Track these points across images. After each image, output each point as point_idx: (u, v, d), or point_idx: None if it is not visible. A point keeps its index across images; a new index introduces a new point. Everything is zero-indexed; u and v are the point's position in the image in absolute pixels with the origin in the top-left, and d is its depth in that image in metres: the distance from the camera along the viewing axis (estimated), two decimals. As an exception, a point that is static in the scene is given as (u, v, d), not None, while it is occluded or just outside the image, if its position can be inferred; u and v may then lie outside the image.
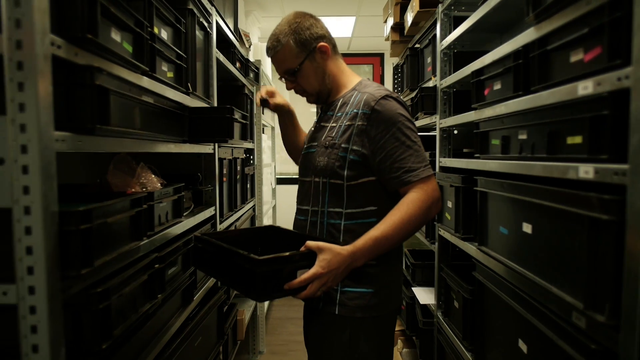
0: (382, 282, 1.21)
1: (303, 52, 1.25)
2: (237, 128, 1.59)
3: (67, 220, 0.73)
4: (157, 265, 1.12)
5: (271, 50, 1.28)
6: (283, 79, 1.33)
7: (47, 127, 0.69)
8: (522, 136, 1.11)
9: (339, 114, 1.26)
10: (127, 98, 0.97)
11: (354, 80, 1.31)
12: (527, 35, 1.05)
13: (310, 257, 1.06)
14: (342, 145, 1.20)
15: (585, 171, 0.82)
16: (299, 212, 1.34)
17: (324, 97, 1.33)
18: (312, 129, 1.39)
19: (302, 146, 1.42)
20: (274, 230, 1.40)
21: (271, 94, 1.41)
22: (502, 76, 1.21)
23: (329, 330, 1.21)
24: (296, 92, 1.34)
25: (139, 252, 1.04)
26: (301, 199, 1.33)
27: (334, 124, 1.25)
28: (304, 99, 1.35)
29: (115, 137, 0.91)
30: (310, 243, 1.06)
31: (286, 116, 1.47)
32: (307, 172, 1.31)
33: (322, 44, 1.26)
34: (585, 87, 0.81)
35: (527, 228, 1.06)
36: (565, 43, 0.90)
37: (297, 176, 1.41)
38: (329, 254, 1.05)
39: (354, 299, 1.19)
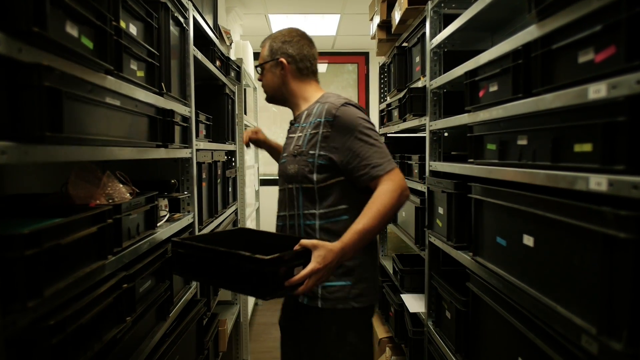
0: (359, 275, 1.31)
1: (269, 57, 1.46)
2: (178, 131, 1.51)
3: (8, 245, 0.62)
4: (125, 285, 1.01)
5: (261, 44, 1.53)
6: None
7: (-20, 136, 0.58)
8: (522, 142, 1.04)
9: (304, 124, 1.39)
10: (88, 100, 0.86)
11: (317, 95, 1.45)
12: (529, 34, 0.97)
13: (306, 255, 1.11)
14: (310, 152, 1.32)
15: (598, 182, 0.74)
16: (277, 219, 1.45)
17: (278, 102, 1.51)
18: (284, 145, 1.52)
19: None
20: (244, 232, 1.46)
21: (256, 132, 1.69)
22: (499, 77, 1.14)
23: (317, 327, 1.31)
24: (262, 85, 1.53)
25: (103, 272, 0.93)
26: (279, 205, 1.45)
27: (300, 134, 1.38)
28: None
29: (72, 145, 0.80)
30: (305, 241, 1.12)
31: (271, 150, 1.69)
32: (282, 181, 1.43)
33: (282, 59, 1.43)
34: (597, 91, 0.74)
35: (528, 241, 0.99)
36: (573, 42, 0.83)
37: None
38: (323, 250, 1.12)
39: (334, 292, 1.28)
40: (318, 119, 1.33)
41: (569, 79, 0.85)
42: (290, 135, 1.44)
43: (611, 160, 0.73)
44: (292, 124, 1.47)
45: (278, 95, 1.49)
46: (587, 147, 0.80)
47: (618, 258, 0.70)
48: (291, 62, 1.43)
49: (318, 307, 1.29)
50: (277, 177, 1.49)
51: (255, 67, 1.52)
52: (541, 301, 0.92)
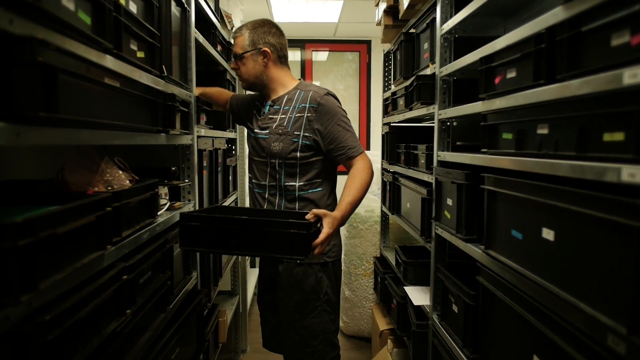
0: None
1: (250, 47, 1.59)
2: (179, 116, 1.45)
3: (0, 234, 0.57)
4: (125, 277, 0.97)
5: (233, 34, 1.64)
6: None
7: (-33, 115, 0.52)
8: (542, 131, 0.99)
9: (286, 107, 1.58)
10: (85, 80, 0.80)
11: (293, 82, 1.65)
12: (554, 16, 0.92)
13: (318, 221, 1.33)
14: (295, 132, 1.53)
15: (631, 174, 0.70)
16: (256, 186, 1.65)
17: (257, 88, 1.66)
18: (255, 118, 1.68)
19: (225, 100, 1.89)
20: (221, 209, 1.64)
21: None
22: (519, 63, 1.08)
23: (295, 279, 1.55)
24: (237, 74, 1.67)
25: (102, 263, 0.89)
26: (258, 175, 1.64)
27: (283, 116, 1.57)
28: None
29: (68, 128, 0.75)
30: (317, 211, 1.34)
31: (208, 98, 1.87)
32: (261, 154, 1.62)
33: (265, 49, 1.59)
34: (633, 75, 0.69)
35: (548, 234, 0.94)
36: (606, 23, 0.77)
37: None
38: (330, 217, 1.36)
39: None
40: (303, 104, 1.54)
41: (599, 64, 0.79)
42: (271, 116, 1.61)
43: (648, 150, 0.68)
44: (270, 105, 1.64)
45: (258, 82, 1.63)
46: (618, 137, 0.75)
47: (654, 254, 0.66)
48: (273, 51, 1.60)
49: (296, 263, 1.53)
50: (250, 148, 1.69)
51: (237, 57, 1.61)
52: (562, 297, 0.88)
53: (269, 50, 1.59)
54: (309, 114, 1.52)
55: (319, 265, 1.55)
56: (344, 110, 1.58)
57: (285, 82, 1.64)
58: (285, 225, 1.20)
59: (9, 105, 0.61)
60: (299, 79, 1.67)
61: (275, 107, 1.62)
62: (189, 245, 1.29)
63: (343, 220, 1.41)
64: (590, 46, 0.83)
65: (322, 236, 1.31)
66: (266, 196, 1.60)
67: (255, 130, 1.66)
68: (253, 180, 1.67)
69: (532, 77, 1.01)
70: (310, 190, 1.56)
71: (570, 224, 0.86)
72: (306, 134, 1.52)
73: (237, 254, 1.83)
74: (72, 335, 0.75)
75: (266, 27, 1.60)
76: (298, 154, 1.53)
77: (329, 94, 1.56)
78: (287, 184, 1.56)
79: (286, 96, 1.60)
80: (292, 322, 1.56)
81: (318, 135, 1.52)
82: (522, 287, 1.05)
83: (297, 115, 1.54)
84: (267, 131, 1.59)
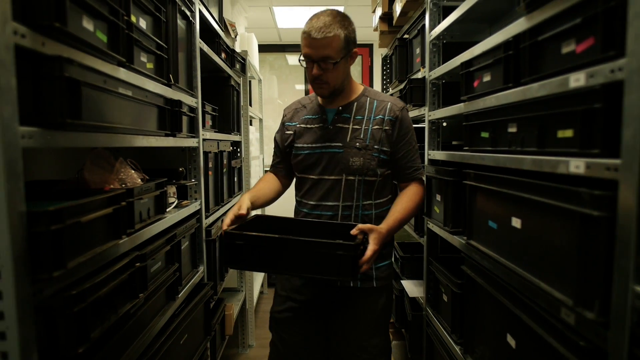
0: (391, 255, 1.57)
1: (345, 50, 1.35)
2: (185, 121, 1.52)
3: (36, 220, 0.69)
4: (137, 264, 1.08)
5: (322, 32, 1.30)
6: (304, 62, 1.37)
7: (11, 122, 0.64)
8: (512, 129, 1.09)
9: (359, 117, 1.44)
10: (102, 90, 0.92)
11: (358, 86, 1.50)
12: (518, 26, 1.02)
13: (364, 237, 1.27)
14: (375, 146, 1.41)
15: (576, 166, 0.80)
16: (322, 207, 1.44)
17: (336, 94, 1.44)
18: (311, 127, 1.48)
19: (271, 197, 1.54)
20: (261, 219, 1.49)
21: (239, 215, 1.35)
22: (492, 67, 1.19)
23: (368, 304, 1.47)
24: (318, 79, 1.37)
25: (118, 251, 1.00)
26: (323, 195, 1.44)
27: (357, 127, 1.43)
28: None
29: (89, 132, 0.87)
30: (362, 226, 1.27)
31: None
32: (331, 171, 1.43)
33: (356, 50, 1.40)
34: (577, 80, 0.79)
35: (516, 223, 1.04)
36: (557, 34, 0.87)
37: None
38: (376, 232, 1.28)
39: (385, 270, 1.50)
40: (380, 116, 1.42)
41: (553, 69, 0.89)
42: (339, 125, 1.43)
43: (588, 144, 0.78)
44: (337, 113, 1.44)
45: (340, 88, 1.42)
46: (568, 133, 0.85)
47: (592, 235, 0.75)
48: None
49: (373, 286, 1.46)
50: (306, 166, 1.45)
51: (328, 61, 1.33)
52: (527, 279, 0.98)
53: (358, 52, 1.41)
54: (386, 127, 1.41)
55: (389, 287, 1.52)
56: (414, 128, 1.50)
57: (353, 86, 1.48)
58: (332, 246, 1.14)
59: (42, 114, 0.73)
60: (362, 84, 1.53)
61: (344, 115, 1.44)
62: (235, 263, 1.27)
63: (388, 236, 1.32)
64: (547, 53, 0.93)
65: (368, 253, 1.22)
66: (338, 219, 1.43)
67: (315, 145, 1.46)
68: (311, 201, 1.46)
69: (503, 81, 1.11)
70: (384, 208, 1.46)
71: (532, 212, 0.97)
72: (384, 149, 1.41)
73: (284, 274, 1.64)
74: (93, 310, 0.87)
75: (349, 20, 1.37)
76: (378, 170, 1.42)
77: (405, 108, 1.47)
78: (364, 202, 1.43)
79: (355, 103, 1.45)
80: (361, 342, 1.46)
81: (391, 149, 1.43)
82: (497, 273, 1.15)
83: (375, 127, 1.41)
84: (340, 144, 1.42)
